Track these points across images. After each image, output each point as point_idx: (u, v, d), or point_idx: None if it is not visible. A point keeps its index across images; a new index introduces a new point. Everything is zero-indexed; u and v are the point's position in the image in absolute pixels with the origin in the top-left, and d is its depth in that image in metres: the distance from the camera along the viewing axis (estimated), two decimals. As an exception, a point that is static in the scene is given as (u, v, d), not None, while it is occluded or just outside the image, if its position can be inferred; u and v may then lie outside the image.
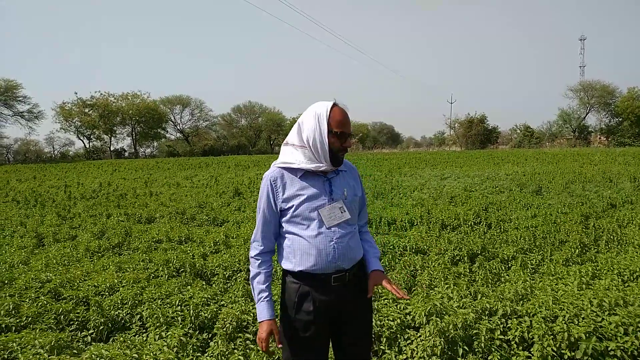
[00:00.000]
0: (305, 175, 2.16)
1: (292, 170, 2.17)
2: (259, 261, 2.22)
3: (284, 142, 2.24)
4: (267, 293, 2.19)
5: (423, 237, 7.02)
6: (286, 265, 2.19)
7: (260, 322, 2.17)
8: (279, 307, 2.32)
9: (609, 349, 3.44)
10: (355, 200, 2.26)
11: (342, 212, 2.16)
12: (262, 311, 2.17)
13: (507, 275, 5.38)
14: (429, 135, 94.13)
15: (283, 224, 2.19)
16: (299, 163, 2.13)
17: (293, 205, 2.13)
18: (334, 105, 2.13)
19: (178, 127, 66.60)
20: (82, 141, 58.41)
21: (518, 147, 55.96)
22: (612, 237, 6.63)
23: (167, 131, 66.43)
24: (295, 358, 2.20)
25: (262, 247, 2.23)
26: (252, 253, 2.24)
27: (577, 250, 5.86)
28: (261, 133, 69.38)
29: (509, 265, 5.79)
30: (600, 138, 56.14)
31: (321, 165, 2.12)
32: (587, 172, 16.78)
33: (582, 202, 10.00)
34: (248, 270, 5.77)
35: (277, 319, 2.22)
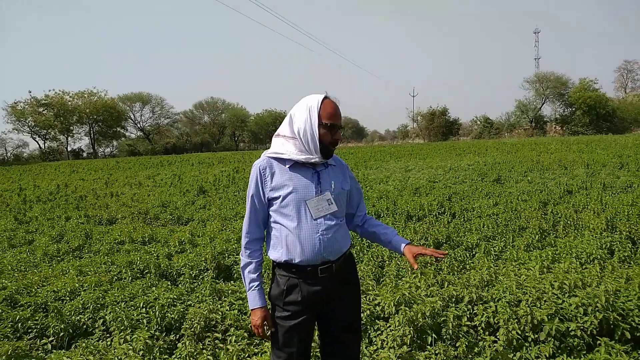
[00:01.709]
0: (295, 166, 2.19)
1: (282, 161, 2.20)
2: (249, 251, 2.26)
3: (275, 133, 2.26)
4: (258, 282, 2.25)
5: (390, 228, 7.09)
6: (273, 255, 2.23)
7: (253, 310, 2.23)
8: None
9: (570, 329, 3.57)
10: (342, 194, 2.30)
11: (329, 205, 2.20)
12: (254, 299, 2.23)
13: (472, 262, 5.51)
14: (393, 129, 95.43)
15: (271, 214, 2.23)
16: (289, 154, 2.15)
17: (280, 195, 2.15)
18: (325, 97, 2.17)
19: (139, 126, 64.80)
20: (37, 142, 55.94)
21: (478, 138, 57.44)
22: (569, 222, 6.90)
23: (127, 130, 64.52)
24: (279, 346, 2.24)
25: (251, 236, 2.25)
26: (243, 242, 2.27)
27: (537, 236, 6.06)
28: (225, 129, 68.40)
29: (474, 252, 5.94)
30: (555, 128, 58.29)
31: (311, 157, 2.15)
32: (544, 161, 17.40)
33: (540, 190, 10.36)
34: (215, 268, 5.68)
35: (268, 307, 2.29)
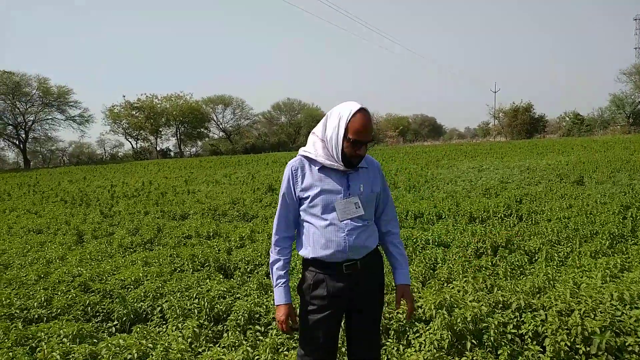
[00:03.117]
0: (325, 167, 2.24)
1: (313, 161, 2.27)
2: (279, 248, 2.35)
3: (312, 130, 2.33)
4: (285, 279, 2.32)
5: (448, 230, 6.89)
6: (302, 252, 2.32)
7: (278, 306, 2.31)
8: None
9: (627, 343, 3.28)
10: (372, 197, 2.33)
11: (356, 208, 2.23)
12: (280, 295, 2.31)
13: (532, 268, 5.21)
14: (473, 127, 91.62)
15: (301, 213, 2.31)
16: (317, 156, 2.22)
17: (309, 195, 2.22)
18: (358, 110, 2.12)
19: (220, 126, 68.13)
20: (130, 142, 60.94)
21: (567, 135, 53.43)
22: (651, 227, 6.27)
23: (210, 130, 68.07)
24: (305, 340, 2.33)
25: (280, 234, 2.35)
26: (273, 240, 2.37)
27: (607, 242, 5.58)
28: (301, 129, 69.75)
29: (536, 258, 5.60)
30: (658, 123, 52.64)
31: (335, 164, 2.19)
32: (637, 160, 15.84)
33: (624, 192, 9.47)
34: (269, 263, 5.88)
35: (294, 304, 2.39)
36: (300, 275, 2.42)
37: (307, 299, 2.29)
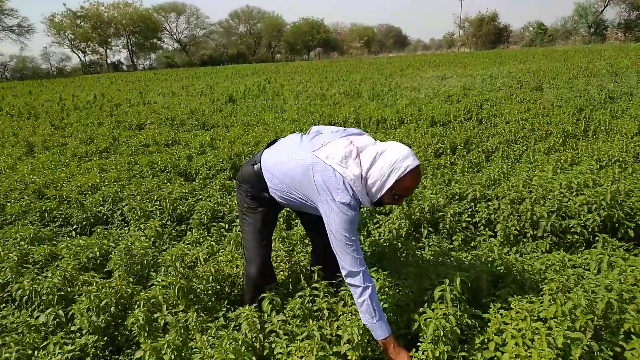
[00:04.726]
0: None
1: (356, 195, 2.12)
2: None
3: (357, 150, 2.09)
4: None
5: (410, 133, 6.95)
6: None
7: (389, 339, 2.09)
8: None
9: (570, 225, 3.50)
10: None
11: None
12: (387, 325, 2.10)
13: (489, 165, 5.38)
14: (439, 38, 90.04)
15: None
16: (361, 195, 2.09)
17: None
18: (415, 169, 2.01)
19: (175, 37, 64.23)
20: (78, 55, 56.88)
21: (530, 46, 53.55)
22: (601, 127, 6.51)
23: (164, 42, 64.23)
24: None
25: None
26: (362, 269, 2.09)
27: (560, 140, 5.78)
28: (261, 40, 66.80)
29: (492, 157, 5.78)
30: (617, 34, 53.29)
31: (367, 203, 2.12)
32: (593, 68, 16.15)
33: (580, 96, 9.72)
34: (231, 168, 5.82)
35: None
36: None
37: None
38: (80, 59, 57.08)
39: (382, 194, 2.05)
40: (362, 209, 3.73)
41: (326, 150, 2.13)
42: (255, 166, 2.37)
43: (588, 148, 5.23)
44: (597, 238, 3.33)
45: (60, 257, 3.44)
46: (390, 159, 2.00)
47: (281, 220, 3.97)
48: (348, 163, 2.05)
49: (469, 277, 2.41)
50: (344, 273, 2.09)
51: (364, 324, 2.09)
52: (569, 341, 1.95)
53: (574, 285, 2.49)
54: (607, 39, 52.13)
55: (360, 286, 2.04)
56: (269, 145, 2.46)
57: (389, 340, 2.06)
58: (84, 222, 4.39)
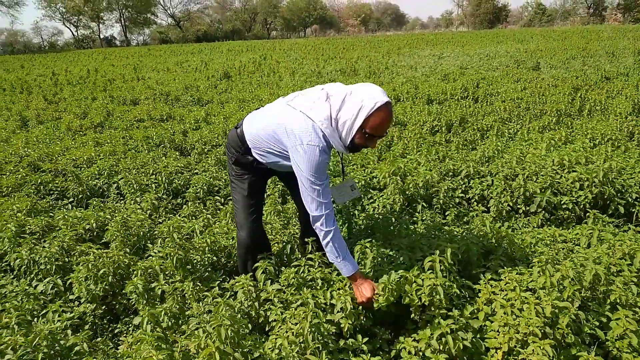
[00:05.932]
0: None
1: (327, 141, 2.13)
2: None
3: (327, 95, 2.11)
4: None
5: (406, 111, 6.95)
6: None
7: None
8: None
9: (562, 202, 3.56)
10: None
11: (352, 190, 2.31)
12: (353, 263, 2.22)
13: (484, 143, 5.40)
14: (437, 16, 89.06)
15: None
16: (332, 139, 2.09)
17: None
18: (383, 105, 1.98)
19: (169, 12, 63.09)
20: (70, 29, 55.82)
21: (528, 26, 53.08)
22: (596, 107, 6.54)
23: (158, 16, 63.12)
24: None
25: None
26: (326, 212, 2.16)
27: (554, 118, 5.81)
28: (256, 16, 65.73)
29: (487, 136, 5.80)
30: (616, 15, 52.87)
31: (340, 147, 2.12)
32: (591, 48, 16.08)
33: (576, 76, 9.72)
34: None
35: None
36: None
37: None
38: (73, 34, 56.12)
39: (353, 135, 2.05)
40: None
41: (299, 99, 2.19)
42: (238, 129, 2.41)
43: (582, 127, 5.26)
44: (588, 214, 3.39)
45: (57, 228, 3.47)
46: (360, 97, 2.01)
47: (276, 194, 3.99)
48: (317, 105, 2.09)
49: (460, 249, 2.46)
50: (311, 220, 2.16)
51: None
52: (557, 310, 2.01)
53: (564, 258, 2.55)
54: (606, 20, 51.74)
55: (323, 230, 2.13)
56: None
57: (354, 275, 2.18)
58: (80, 195, 4.40)
